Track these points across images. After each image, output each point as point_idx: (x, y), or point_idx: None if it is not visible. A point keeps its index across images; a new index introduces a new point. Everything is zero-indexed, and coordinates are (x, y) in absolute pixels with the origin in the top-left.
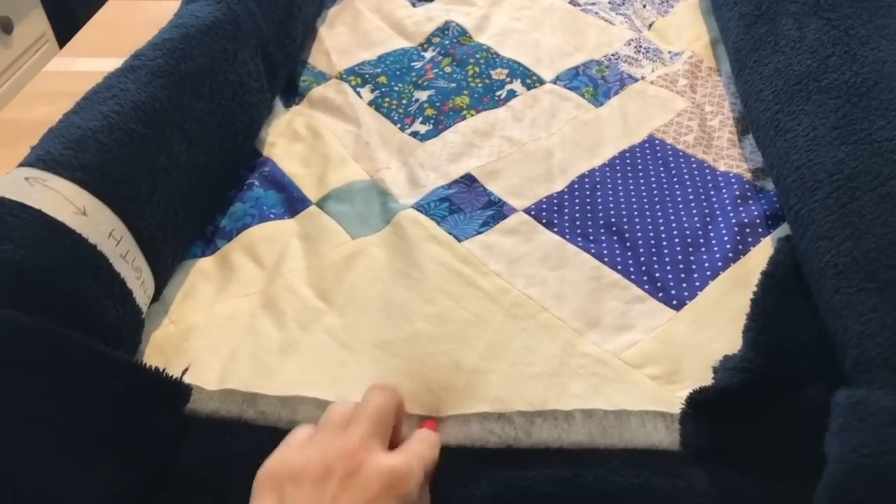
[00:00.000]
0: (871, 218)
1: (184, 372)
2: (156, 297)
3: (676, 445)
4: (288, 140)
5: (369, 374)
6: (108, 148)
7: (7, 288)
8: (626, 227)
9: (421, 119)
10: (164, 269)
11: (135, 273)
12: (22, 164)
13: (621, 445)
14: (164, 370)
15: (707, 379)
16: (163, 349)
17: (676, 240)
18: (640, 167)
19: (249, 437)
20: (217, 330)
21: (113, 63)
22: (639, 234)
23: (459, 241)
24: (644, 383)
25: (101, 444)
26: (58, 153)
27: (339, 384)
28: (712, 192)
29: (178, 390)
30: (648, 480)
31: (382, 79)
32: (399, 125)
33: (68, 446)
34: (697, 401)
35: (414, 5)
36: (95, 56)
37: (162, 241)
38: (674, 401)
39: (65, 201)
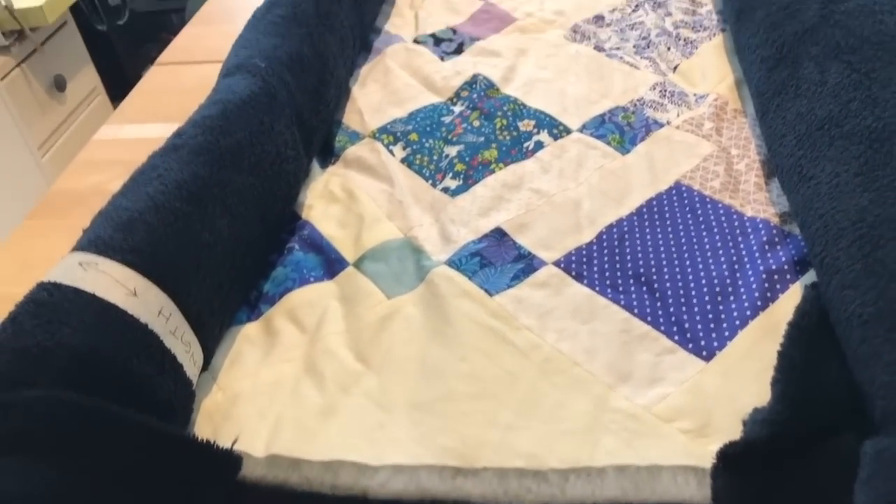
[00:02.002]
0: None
1: (233, 442)
2: (204, 367)
3: (708, 500)
4: (325, 202)
5: (406, 435)
6: (154, 228)
7: (66, 371)
8: (654, 276)
9: (451, 174)
10: (212, 339)
11: (184, 347)
12: (75, 249)
13: (654, 500)
14: (214, 442)
15: (738, 432)
16: (212, 417)
17: (705, 289)
18: (667, 215)
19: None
20: (263, 396)
21: (158, 129)
22: (667, 284)
23: (491, 295)
24: (676, 437)
25: None
26: (108, 237)
27: (377, 447)
28: (740, 239)
29: (230, 460)
30: None
31: (413, 136)
32: (430, 181)
33: None
34: (728, 455)
35: (442, 59)
36: (142, 122)
37: (209, 314)
38: (705, 455)
39: (116, 284)
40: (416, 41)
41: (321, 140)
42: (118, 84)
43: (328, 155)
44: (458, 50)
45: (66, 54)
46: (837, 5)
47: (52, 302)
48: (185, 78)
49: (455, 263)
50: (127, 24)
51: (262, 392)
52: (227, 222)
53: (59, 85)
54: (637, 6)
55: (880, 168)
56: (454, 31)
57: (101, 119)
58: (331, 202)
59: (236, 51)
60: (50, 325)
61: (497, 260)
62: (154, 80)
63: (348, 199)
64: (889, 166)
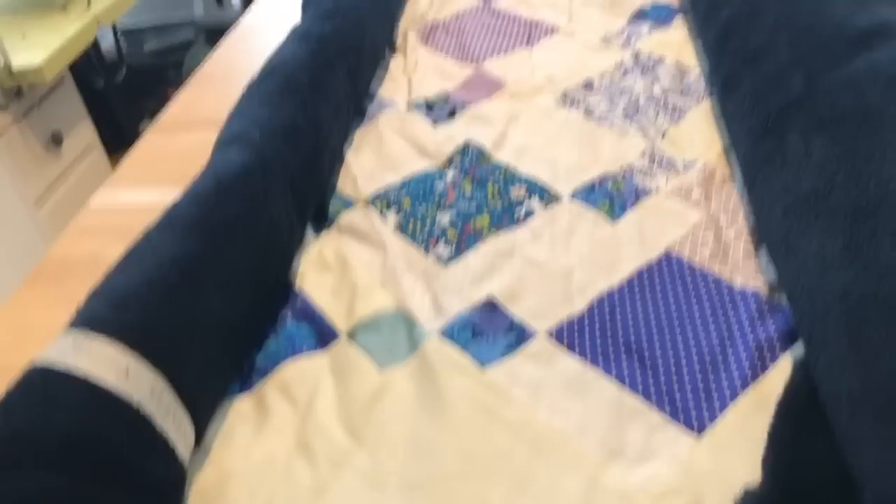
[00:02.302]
0: (881, 346)
1: None
2: (196, 442)
3: None
4: (318, 270)
5: None
6: (148, 306)
7: (57, 455)
8: (646, 349)
9: (444, 242)
10: (204, 415)
11: (175, 426)
12: (69, 327)
13: None
14: None
15: None
16: (204, 495)
17: (696, 361)
18: (657, 286)
19: None
20: (254, 474)
21: (154, 194)
22: (659, 357)
23: (483, 366)
24: None
25: None
26: (101, 315)
27: None
28: (730, 310)
29: None
30: None
31: (406, 202)
32: (423, 248)
33: None
34: None
35: (435, 124)
36: (138, 188)
37: (201, 391)
38: None
39: (109, 365)
40: (409, 106)
41: (315, 207)
42: (114, 138)
43: (322, 221)
44: (451, 115)
45: (63, 110)
46: (821, 78)
47: (43, 385)
48: (182, 142)
49: (447, 334)
50: (124, 78)
51: (254, 469)
52: (220, 296)
53: (56, 140)
54: (626, 72)
55: (865, 243)
56: (447, 96)
57: (96, 173)
58: (324, 270)
59: (231, 121)
60: (42, 408)
61: (489, 330)
62: (151, 144)
63: (341, 267)
64: (873, 241)
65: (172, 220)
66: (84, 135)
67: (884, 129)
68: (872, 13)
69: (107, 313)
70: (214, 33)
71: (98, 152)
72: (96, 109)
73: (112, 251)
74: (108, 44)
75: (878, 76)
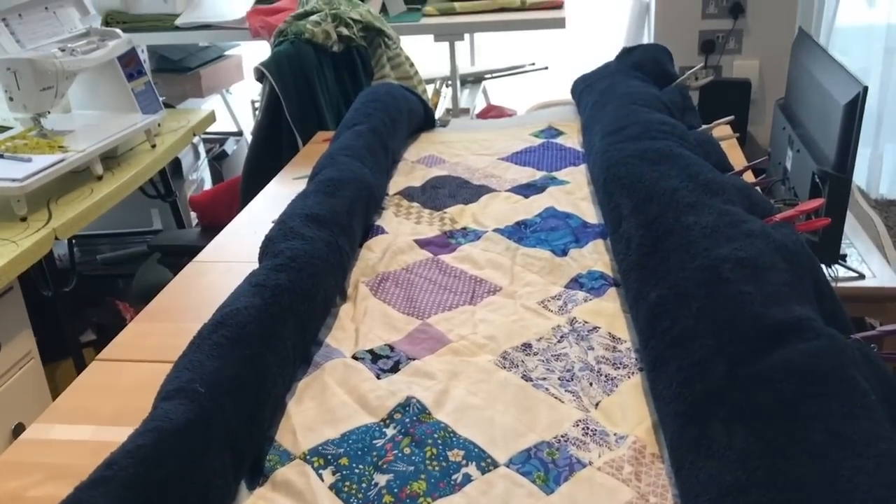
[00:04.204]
0: None
1: None
2: None
3: None
4: None
5: None
6: None
7: None
8: None
9: None
10: None
11: None
12: None
13: None
14: None
15: None
16: None
17: None
18: None
19: None
20: None
21: (89, 431)
22: None
23: None
24: None
25: None
26: None
27: None
28: None
29: None
30: None
31: (344, 460)
32: None
33: None
34: None
35: (379, 377)
36: (74, 423)
37: None
38: None
39: None
40: (354, 357)
41: (251, 461)
42: (54, 346)
43: (257, 475)
44: (395, 368)
45: (5, 320)
46: (742, 369)
47: None
48: (124, 376)
49: None
50: (73, 286)
51: None
52: None
53: None
54: (562, 337)
55: None
56: (392, 347)
57: (30, 384)
58: None
59: (178, 372)
60: None
61: None
62: (92, 376)
63: None
64: None
65: (107, 479)
66: (23, 346)
67: (799, 426)
68: (786, 308)
69: None
70: (169, 251)
71: (34, 363)
72: (40, 317)
73: (37, 493)
74: (61, 249)
75: (791, 373)
